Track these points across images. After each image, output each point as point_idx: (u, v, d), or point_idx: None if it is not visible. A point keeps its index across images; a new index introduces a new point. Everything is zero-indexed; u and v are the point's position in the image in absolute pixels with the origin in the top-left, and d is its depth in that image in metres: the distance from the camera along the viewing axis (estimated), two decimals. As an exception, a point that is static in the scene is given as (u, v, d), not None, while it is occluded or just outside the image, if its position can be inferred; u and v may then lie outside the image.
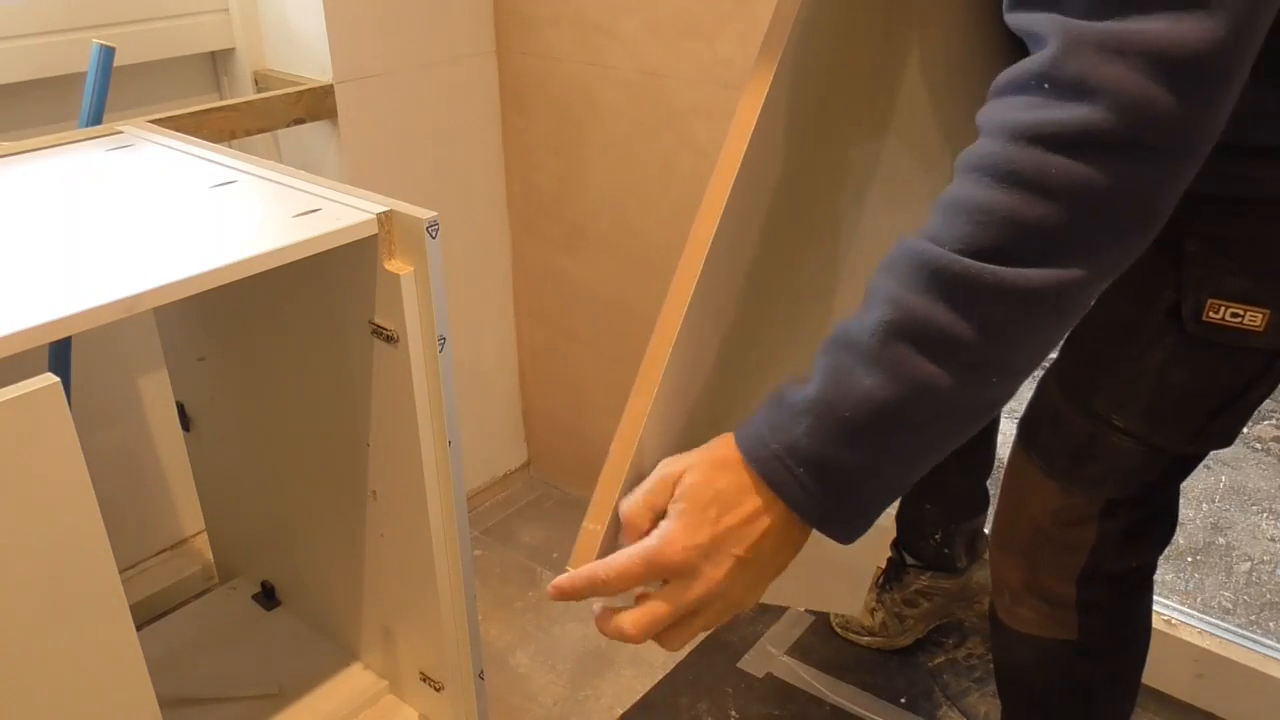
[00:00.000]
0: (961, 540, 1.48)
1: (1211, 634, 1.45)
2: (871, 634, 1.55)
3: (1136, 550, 1.04)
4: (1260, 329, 0.86)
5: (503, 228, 1.77)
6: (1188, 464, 1.01)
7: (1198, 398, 0.92)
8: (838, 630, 1.58)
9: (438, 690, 1.17)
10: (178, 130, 1.19)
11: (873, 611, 1.55)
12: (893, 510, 1.53)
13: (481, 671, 1.15)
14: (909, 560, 1.53)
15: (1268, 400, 1.90)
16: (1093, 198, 0.56)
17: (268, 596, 1.38)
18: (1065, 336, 0.70)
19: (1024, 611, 1.08)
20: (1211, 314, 0.87)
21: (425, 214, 0.92)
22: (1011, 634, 1.11)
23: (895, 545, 1.55)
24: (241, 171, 1.04)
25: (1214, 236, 0.86)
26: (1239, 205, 0.84)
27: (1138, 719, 1.45)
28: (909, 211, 1.06)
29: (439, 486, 1.03)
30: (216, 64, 1.51)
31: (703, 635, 0.88)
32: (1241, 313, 0.85)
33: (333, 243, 0.90)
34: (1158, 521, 1.04)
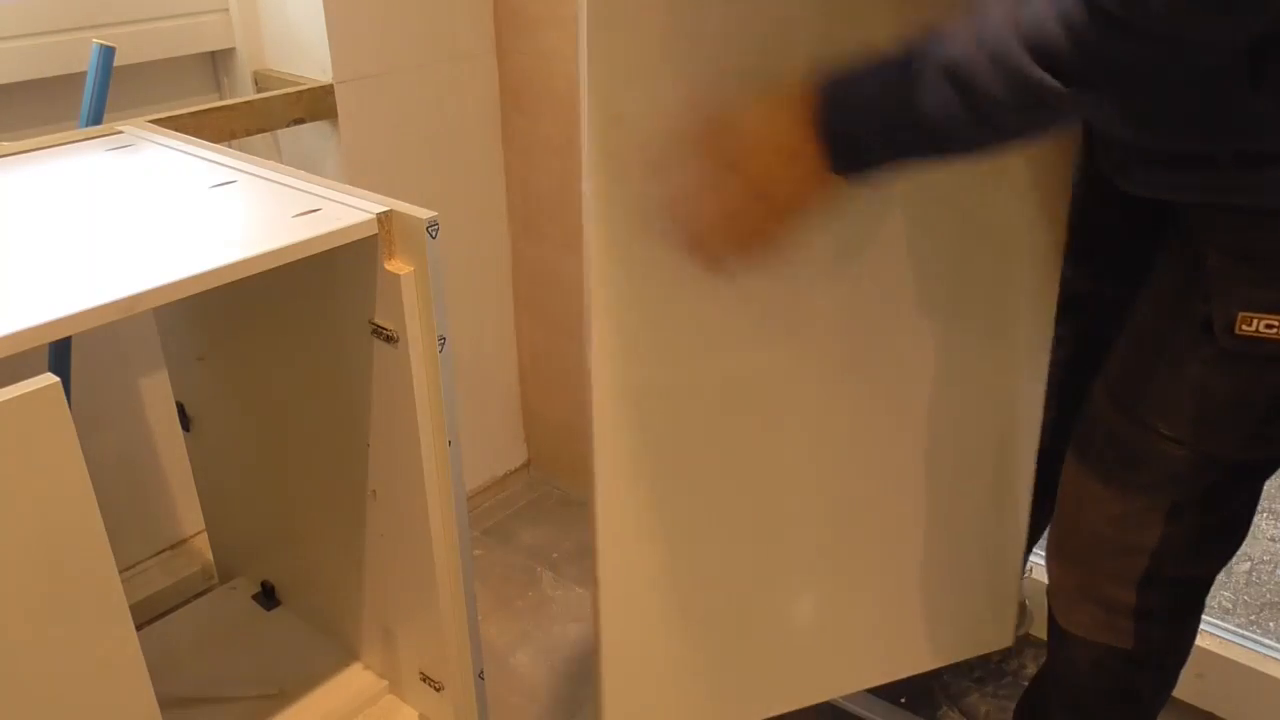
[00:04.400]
0: None
1: (1211, 634, 1.45)
2: None
3: (1199, 558, 1.01)
4: None
5: (502, 228, 1.77)
6: (1255, 471, 0.98)
7: (1242, 407, 0.90)
8: None
9: (438, 690, 1.17)
10: (178, 130, 1.19)
11: None
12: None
13: (481, 671, 1.15)
14: None
15: (1268, 400, 1.88)
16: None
17: (268, 596, 1.38)
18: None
19: (1080, 616, 1.07)
20: (1244, 327, 0.84)
21: (425, 214, 0.92)
22: (1068, 636, 1.10)
23: None
24: (241, 171, 1.04)
25: (1235, 248, 0.84)
26: (1258, 215, 0.82)
27: (1138, 719, 1.45)
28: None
29: (439, 486, 1.03)
30: (216, 64, 1.51)
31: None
32: (1276, 323, 0.83)
33: (332, 243, 0.90)
34: (1224, 531, 1.01)
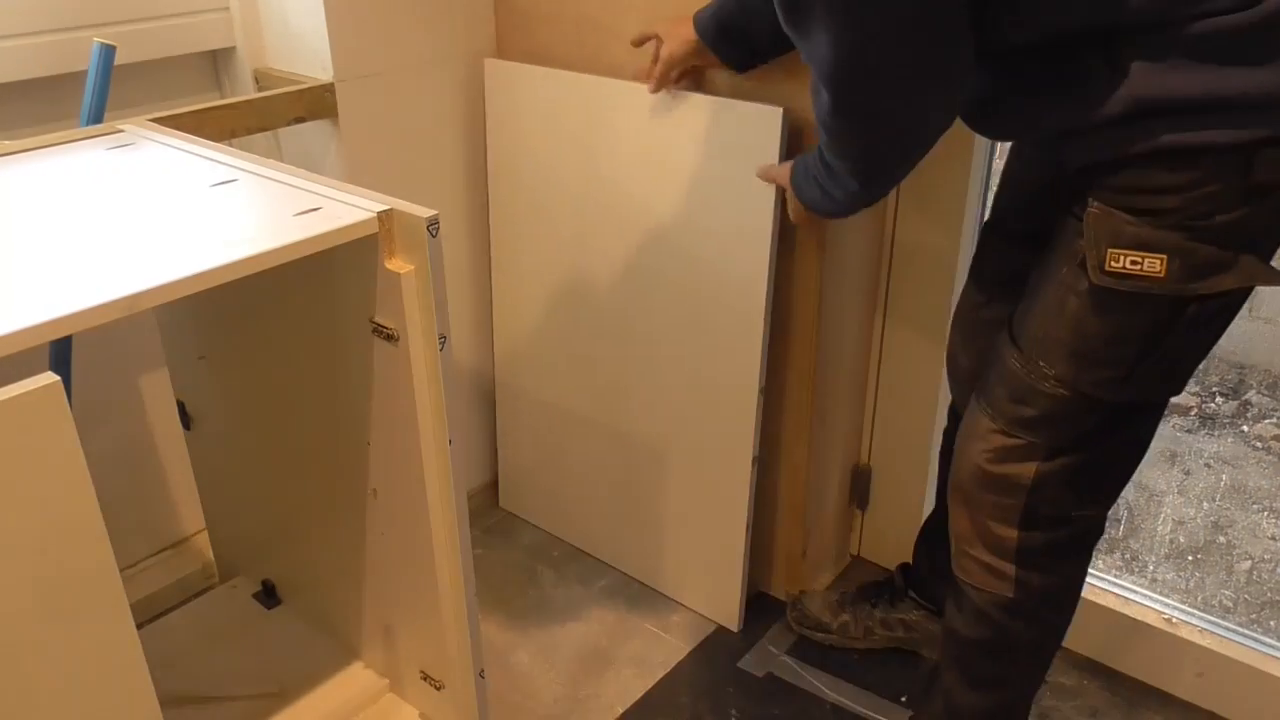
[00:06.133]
0: None
1: (1212, 633, 1.45)
2: (827, 632, 1.56)
3: (1076, 496, 1.07)
4: (1161, 274, 0.92)
5: (503, 227, 1.76)
6: (1133, 415, 1.05)
7: (1114, 345, 0.98)
8: (793, 625, 1.59)
9: (438, 689, 1.17)
10: (178, 129, 1.19)
11: (836, 614, 1.56)
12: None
13: (482, 670, 1.15)
14: (912, 594, 1.53)
15: (1267, 398, 1.90)
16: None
17: (268, 595, 1.38)
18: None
19: (968, 562, 1.13)
20: (1112, 263, 0.94)
21: (426, 212, 0.92)
22: (961, 587, 1.16)
23: (902, 572, 1.55)
24: (242, 170, 1.04)
25: (1112, 192, 0.94)
26: (1127, 162, 0.92)
27: (1138, 719, 1.45)
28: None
29: (439, 486, 1.03)
30: (217, 63, 1.51)
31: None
32: (1140, 259, 0.93)
33: (333, 241, 0.90)
34: (1101, 473, 1.08)
